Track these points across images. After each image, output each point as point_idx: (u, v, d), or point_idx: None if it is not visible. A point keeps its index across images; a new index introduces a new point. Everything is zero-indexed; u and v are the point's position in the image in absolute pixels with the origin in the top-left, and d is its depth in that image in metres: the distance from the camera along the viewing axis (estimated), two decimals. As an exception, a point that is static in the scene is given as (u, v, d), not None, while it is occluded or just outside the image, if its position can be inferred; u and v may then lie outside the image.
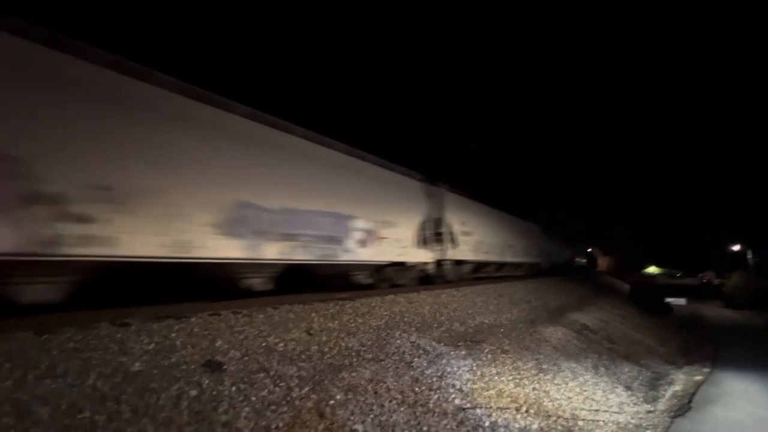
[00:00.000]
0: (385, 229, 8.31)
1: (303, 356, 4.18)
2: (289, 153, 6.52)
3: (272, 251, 5.89)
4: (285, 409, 3.22)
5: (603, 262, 40.80)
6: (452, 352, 5.50)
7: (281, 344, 4.31)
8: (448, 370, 4.94)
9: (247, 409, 3.07)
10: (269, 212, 5.91)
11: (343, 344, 4.76)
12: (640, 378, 8.10)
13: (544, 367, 6.34)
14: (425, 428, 3.67)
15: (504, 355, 6.11)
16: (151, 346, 3.61)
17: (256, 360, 3.83)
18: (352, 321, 5.64)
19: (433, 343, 5.66)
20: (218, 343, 3.97)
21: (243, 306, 5.33)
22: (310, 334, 4.77)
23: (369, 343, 5.02)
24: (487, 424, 4.09)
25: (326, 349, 4.50)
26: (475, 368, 5.27)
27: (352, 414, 3.47)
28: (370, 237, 7.85)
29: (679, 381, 8.50)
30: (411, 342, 5.43)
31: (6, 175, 3.56)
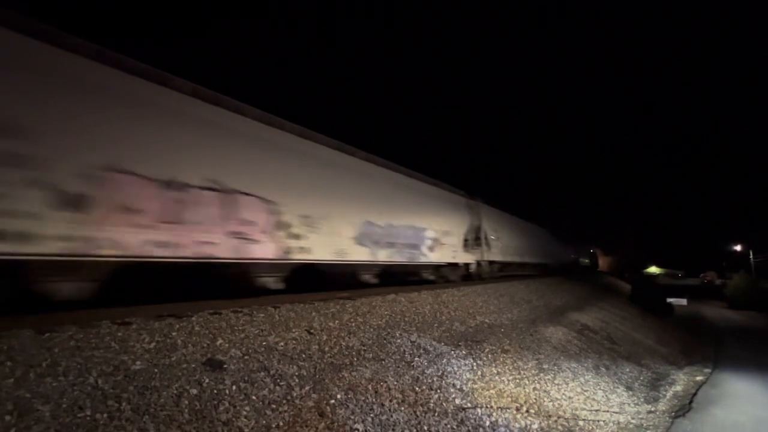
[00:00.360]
0: (444, 237, 10.68)
1: (303, 355, 4.18)
2: (391, 182, 9.03)
3: (382, 255, 8.19)
4: (285, 408, 3.23)
5: (604, 262, 40.76)
6: (453, 352, 5.50)
7: (282, 343, 4.32)
8: (449, 369, 4.94)
9: (247, 407, 3.08)
10: (380, 227, 8.26)
11: (343, 343, 4.77)
12: (641, 378, 8.10)
13: (545, 367, 6.34)
14: (426, 428, 3.67)
15: (504, 355, 6.11)
16: (152, 345, 3.62)
17: (257, 359, 3.83)
18: (352, 320, 5.65)
19: (434, 342, 5.66)
20: (219, 341, 3.98)
21: (243, 305, 5.34)
22: (310, 333, 4.78)
23: (369, 342, 5.02)
24: (487, 423, 4.09)
25: (327, 348, 4.51)
26: (475, 368, 5.27)
27: (353, 413, 3.47)
28: (435, 243, 10.21)
29: (680, 381, 8.49)
30: (411, 341, 5.43)
31: (270, 212, 5.95)
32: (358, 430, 3.31)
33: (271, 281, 6.18)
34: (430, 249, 9.96)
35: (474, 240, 12.60)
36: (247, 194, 5.60)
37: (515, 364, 5.93)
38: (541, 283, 15.86)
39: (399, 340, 5.34)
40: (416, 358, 4.94)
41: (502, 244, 14.81)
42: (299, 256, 6.25)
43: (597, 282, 25.81)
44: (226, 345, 3.95)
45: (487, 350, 6.02)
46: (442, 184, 11.43)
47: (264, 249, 5.74)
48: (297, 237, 6.25)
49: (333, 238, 6.96)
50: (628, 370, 8.26)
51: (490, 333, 6.98)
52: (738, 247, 38.64)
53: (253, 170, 5.78)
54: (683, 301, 25.57)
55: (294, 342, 4.44)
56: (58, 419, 2.43)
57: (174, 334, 3.93)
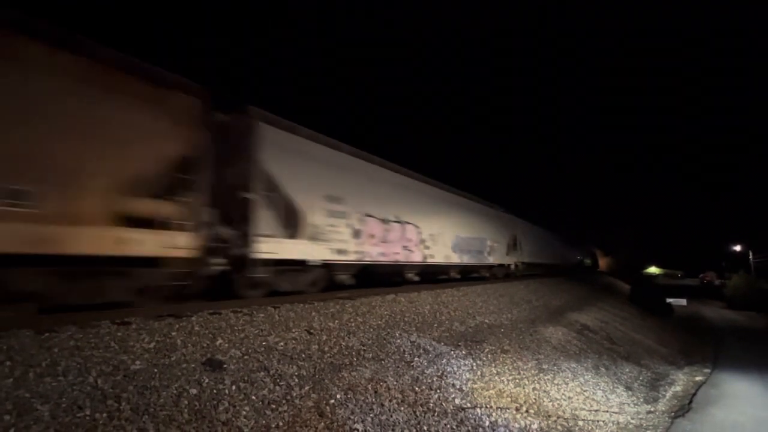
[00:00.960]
0: (496, 244, 15.00)
1: (303, 355, 4.18)
2: (468, 207, 13.11)
3: (465, 259, 12.28)
4: (285, 407, 3.22)
5: (604, 263, 40.79)
6: (452, 352, 5.50)
7: (281, 343, 4.32)
8: (448, 369, 4.94)
9: (247, 407, 3.08)
10: (463, 239, 12.19)
11: (343, 343, 4.76)
12: (641, 378, 8.10)
13: (545, 367, 6.34)
14: (425, 428, 3.67)
15: (504, 355, 6.11)
16: (152, 345, 3.61)
17: (257, 359, 3.83)
18: (352, 320, 5.64)
19: (434, 342, 5.66)
20: (218, 341, 3.98)
21: (243, 305, 5.34)
22: (310, 334, 4.78)
23: (369, 342, 5.02)
24: (487, 423, 4.09)
25: (326, 348, 4.51)
26: (475, 368, 5.26)
27: (352, 413, 3.47)
28: (491, 249, 14.55)
29: (680, 382, 8.49)
30: (411, 341, 5.43)
31: (417, 233, 9.89)
32: (357, 430, 3.31)
33: (413, 276, 10.09)
34: (489, 253, 14.31)
35: (513, 246, 16.80)
36: (408, 223, 9.57)
37: (515, 364, 5.93)
38: (541, 283, 15.87)
39: (399, 340, 5.34)
40: (416, 358, 4.94)
41: (528, 249, 19.26)
42: (429, 260, 10.30)
43: (597, 282, 25.82)
44: (226, 345, 3.95)
45: (486, 350, 6.02)
46: (493, 204, 15.53)
47: (416, 256, 9.75)
48: (428, 248, 10.23)
49: (443, 248, 11.02)
50: (627, 370, 8.26)
51: (490, 333, 6.98)
52: (737, 248, 38.68)
53: (410, 207, 9.64)
54: (683, 302, 25.60)
55: (294, 342, 4.43)
56: (57, 419, 2.43)
57: (174, 334, 3.93)
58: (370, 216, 8.28)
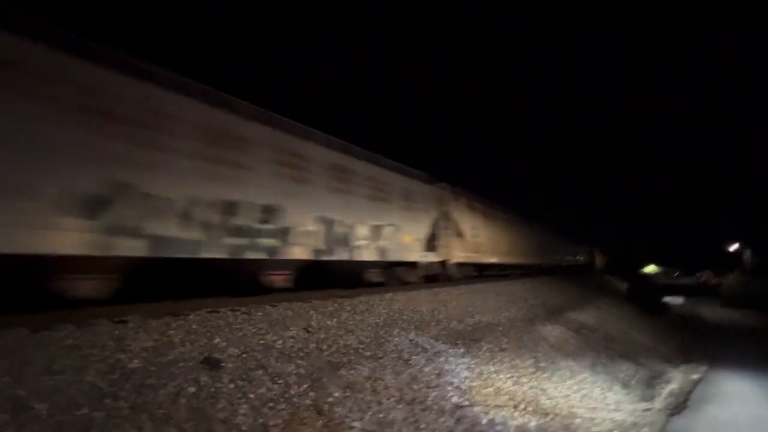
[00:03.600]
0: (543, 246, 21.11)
1: (301, 354, 4.18)
2: (518, 223, 17.91)
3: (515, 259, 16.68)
4: (283, 406, 3.22)
5: (601, 261, 40.91)
6: (450, 350, 5.51)
7: (279, 342, 4.31)
8: (446, 368, 4.95)
9: (245, 406, 3.07)
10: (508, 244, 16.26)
11: (341, 342, 4.76)
12: (638, 376, 8.14)
13: (542, 365, 6.36)
14: (423, 426, 3.67)
15: (502, 354, 6.13)
16: (149, 343, 3.60)
17: (255, 357, 3.83)
18: (350, 319, 5.65)
19: (432, 341, 5.67)
20: (216, 340, 3.97)
21: (241, 303, 5.33)
22: (308, 332, 4.78)
23: (367, 340, 5.03)
24: (484, 421, 4.10)
25: (325, 347, 4.51)
26: (473, 366, 5.28)
27: (350, 411, 3.48)
28: (543, 251, 21.04)
29: (676, 380, 8.54)
30: (409, 340, 5.44)
31: (492, 242, 14.59)
32: (355, 428, 3.31)
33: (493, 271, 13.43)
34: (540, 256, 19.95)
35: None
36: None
37: (513, 363, 5.94)
38: (539, 281, 15.91)
39: (397, 339, 5.35)
40: (414, 357, 4.94)
41: (558, 253, 25.09)
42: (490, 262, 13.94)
43: (594, 281, 25.91)
44: (224, 343, 3.94)
45: (484, 348, 6.03)
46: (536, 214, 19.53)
47: (492, 258, 13.93)
48: (487, 254, 13.69)
49: (489, 252, 14.06)
50: (624, 368, 8.30)
51: (488, 331, 7.00)
52: (734, 247, 38.84)
53: (490, 232, 13.86)
54: (680, 300, 25.71)
55: (292, 340, 4.43)
56: (54, 417, 2.42)
57: (171, 332, 3.92)
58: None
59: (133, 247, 4.43)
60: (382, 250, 8.33)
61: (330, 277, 7.67)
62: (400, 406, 3.83)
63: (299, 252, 6.49)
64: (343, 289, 7.33)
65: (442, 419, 3.88)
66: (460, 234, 11.72)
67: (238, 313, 4.86)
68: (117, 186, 4.33)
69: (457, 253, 11.44)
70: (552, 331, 8.57)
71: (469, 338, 6.28)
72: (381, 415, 3.58)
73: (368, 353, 4.66)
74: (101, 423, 2.48)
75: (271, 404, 3.19)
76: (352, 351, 4.61)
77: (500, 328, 7.42)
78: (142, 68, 4.79)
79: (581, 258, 33.84)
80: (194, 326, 4.17)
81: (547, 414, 4.80)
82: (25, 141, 3.76)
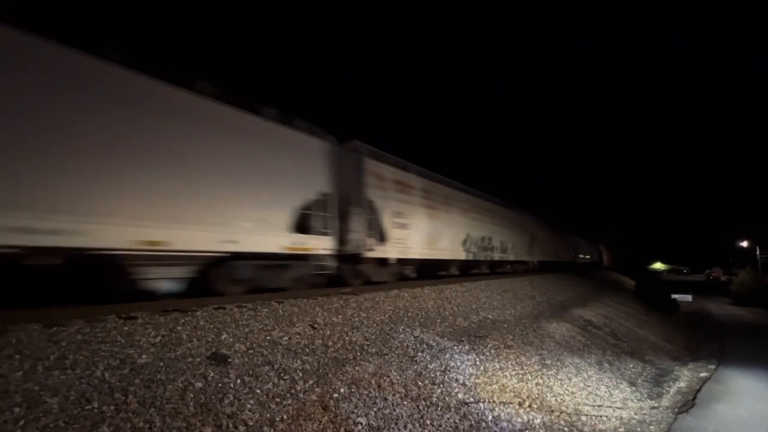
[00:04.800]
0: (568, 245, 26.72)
1: (307, 350, 4.21)
2: (543, 228, 22.09)
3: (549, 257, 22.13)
4: (289, 401, 3.26)
5: (608, 258, 40.58)
6: (456, 347, 5.52)
7: (285, 338, 4.35)
8: (452, 364, 4.95)
9: (251, 401, 3.11)
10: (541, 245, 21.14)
11: (347, 338, 4.79)
12: (645, 374, 8.08)
13: (548, 362, 6.34)
14: (428, 422, 3.69)
15: (507, 351, 6.11)
16: (158, 339, 3.65)
17: (261, 353, 3.87)
18: (356, 315, 5.67)
19: (437, 337, 5.68)
20: (223, 336, 4.01)
21: (248, 300, 5.38)
22: (314, 328, 4.81)
23: (373, 337, 5.05)
24: (489, 418, 4.11)
25: (330, 343, 4.53)
26: (478, 363, 5.28)
27: (356, 407, 3.50)
28: (568, 251, 26.64)
29: (684, 378, 8.46)
30: (415, 336, 5.45)
31: (524, 241, 18.94)
32: (361, 423, 3.34)
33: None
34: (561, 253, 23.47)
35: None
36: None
37: (518, 360, 5.93)
38: (545, 278, 15.83)
39: (402, 335, 5.36)
40: (419, 353, 4.96)
41: (582, 255, 29.35)
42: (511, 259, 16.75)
43: (601, 278, 25.70)
44: (231, 339, 3.98)
45: (490, 345, 6.03)
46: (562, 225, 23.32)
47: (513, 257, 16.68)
48: (505, 252, 15.86)
49: (512, 251, 16.61)
50: (631, 366, 8.24)
51: (494, 328, 6.98)
52: (744, 243, 38.30)
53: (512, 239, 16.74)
54: (688, 298, 25.43)
55: (298, 337, 4.47)
56: (66, 411, 2.47)
57: (179, 328, 3.97)
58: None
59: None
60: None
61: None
62: (406, 403, 3.84)
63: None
64: (348, 286, 7.39)
65: (447, 415, 3.89)
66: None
67: (245, 309, 4.91)
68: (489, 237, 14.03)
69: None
70: (558, 328, 8.53)
71: (475, 335, 6.28)
72: (386, 411, 3.60)
73: (374, 350, 4.68)
74: (111, 417, 2.53)
75: (277, 399, 3.23)
76: (357, 347, 4.63)
77: (505, 325, 7.40)
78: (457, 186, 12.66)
79: (585, 255, 33.63)
80: (201, 322, 4.21)
81: (552, 411, 4.80)
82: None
